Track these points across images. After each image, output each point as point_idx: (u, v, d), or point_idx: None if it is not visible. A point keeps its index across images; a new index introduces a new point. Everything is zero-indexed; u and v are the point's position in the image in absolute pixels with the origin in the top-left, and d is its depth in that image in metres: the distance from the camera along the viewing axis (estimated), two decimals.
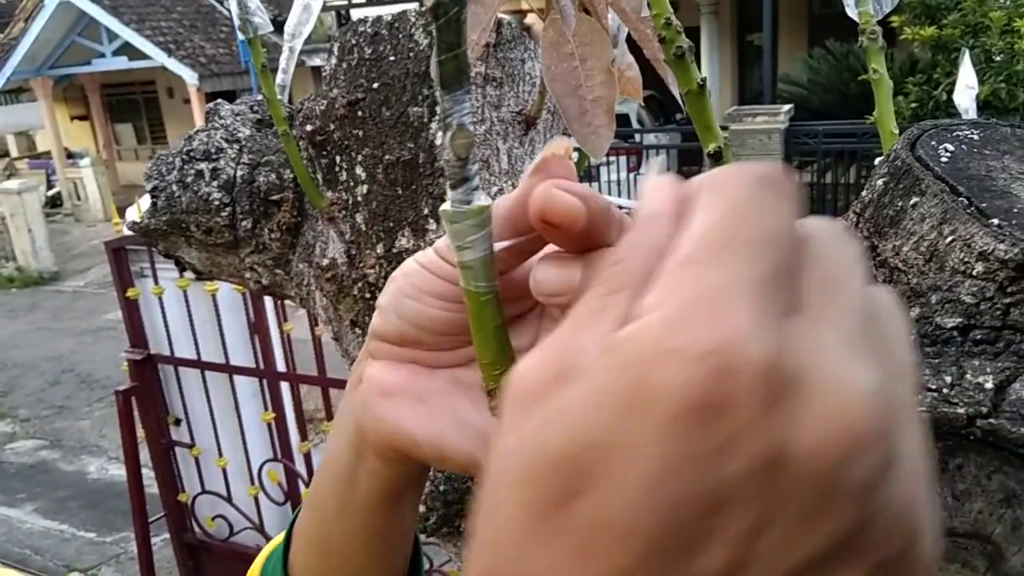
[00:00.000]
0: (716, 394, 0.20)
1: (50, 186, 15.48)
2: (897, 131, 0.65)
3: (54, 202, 15.25)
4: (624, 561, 0.20)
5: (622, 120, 8.95)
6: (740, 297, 0.21)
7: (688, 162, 9.67)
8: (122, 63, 14.34)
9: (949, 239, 0.43)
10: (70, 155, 15.43)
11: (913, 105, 6.47)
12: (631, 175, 8.57)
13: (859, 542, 0.20)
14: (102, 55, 14.44)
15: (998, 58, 6.18)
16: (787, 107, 7.77)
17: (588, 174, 7.73)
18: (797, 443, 0.19)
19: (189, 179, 1.09)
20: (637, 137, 9.38)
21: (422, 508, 0.90)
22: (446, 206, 0.30)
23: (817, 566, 0.20)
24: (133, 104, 17.65)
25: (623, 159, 8.59)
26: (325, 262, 1.01)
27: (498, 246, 0.32)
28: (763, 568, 0.20)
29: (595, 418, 0.21)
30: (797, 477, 0.20)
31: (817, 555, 0.20)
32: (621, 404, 0.20)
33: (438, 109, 0.29)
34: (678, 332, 0.20)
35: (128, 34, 13.47)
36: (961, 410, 0.37)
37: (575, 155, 1.12)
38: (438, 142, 0.26)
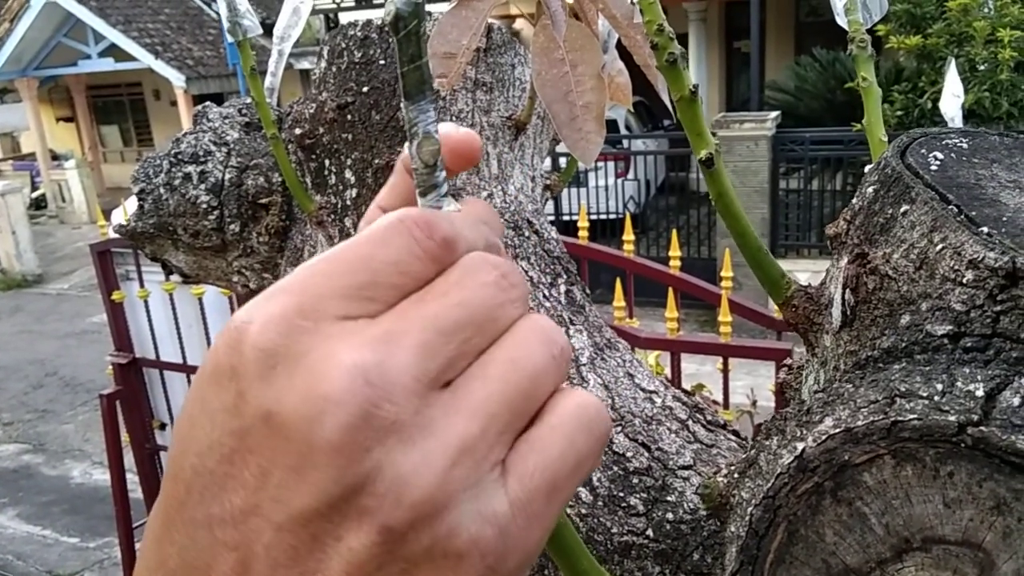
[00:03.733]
0: (228, 361, 0.24)
1: (34, 188, 15.35)
2: (886, 139, 0.66)
3: (38, 204, 15.13)
4: (175, 495, 0.25)
5: (610, 126, 8.98)
6: (285, 292, 0.25)
7: (676, 168, 9.71)
8: (108, 64, 14.25)
9: (939, 247, 0.43)
10: (55, 157, 15.31)
11: (899, 113, 6.53)
12: (618, 181, 8.59)
13: (358, 503, 0.23)
14: (88, 56, 14.35)
15: (982, 67, 6.25)
16: (774, 114, 7.82)
17: (576, 180, 7.74)
18: (283, 404, 0.23)
19: (177, 182, 1.08)
20: (625, 143, 9.40)
21: None
22: None
23: (322, 518, 0.23)
24: (119, 106, 17.55)
25: (611, 165, 8.61)
26: None
27: None
28: (271, 512, 0.23)
29: (198, 375, 0.26)
30: (283, 432, 0.23)
31: (314, 506, 0.23)
32: (208, 367, 0.25)
33: (404, 119, 0.30)
34: (243, 311, 0.25)
35: (115, 35, 13.39)
36: (952, 418, 0.37)
37: (563, 161, 1.12)
38: (405, 151, 0.27)
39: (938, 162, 0.49)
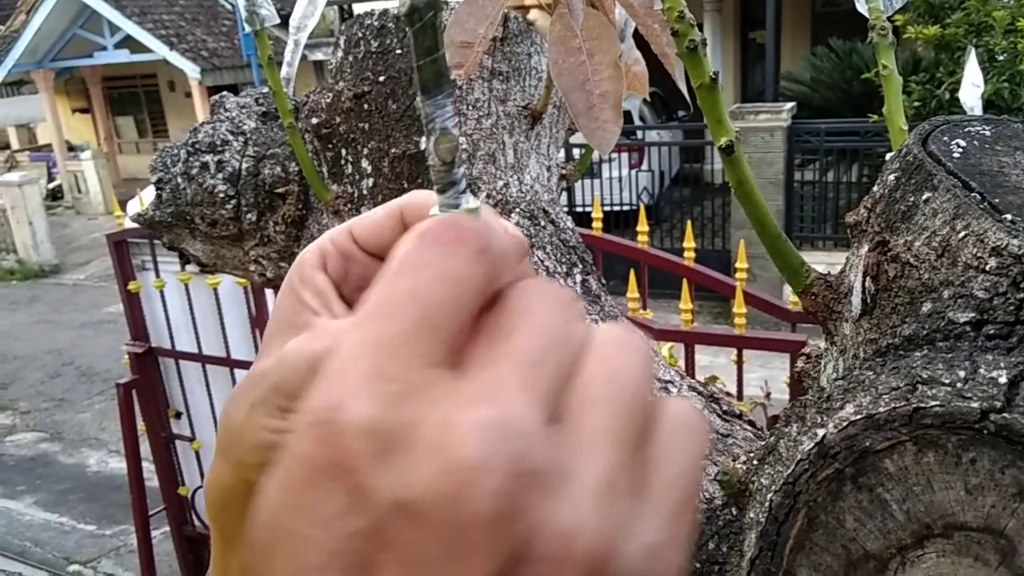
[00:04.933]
0: (326, 458, 0.21)
1: (51, 179, 15.46)
2: (906, 127, 0.65)
3: (55, 195, 15.24)
4: None
5: (624, 116, 8.90)
6: (363, 357, 0.22)
7: (690, 160, 9.66)
8: (124, 56, 14.31)
9: (962, 234, 0.43)
10: (71, 148, 15.41)
11: (916, 104, 6.46)
12: (632, 171, 8.56)
13: (521, 573, 0.21)
14: (104, 48, 14.41)
15: (1001, 57, 6.17)
16: (790, 105, 7.76)
17: (590, 171, 7.72)
18: (416, 488, 0.20)
19: (194, 171, 1.09)
20: (639, 134, 9.36)
21: None
22: (435, 211, 0.30)
23: None
24: (134, 97, 17.63)
25: (625, 156, 8.58)
26: None
27: None
28: None
29: (283, 484, 0.22)
30: (424, 519, 0.20)
31: None
32: (296, 471, 0.22)
33: (421, 114, 0.29)
34: (318, 397, 0.22)
35: (130, 27, 13.44)
36: (975, 404, 0.37)
37: (578, 151, 1.12)
38: (422, 147, 0.26)
39: (960, 149, 0.49)
